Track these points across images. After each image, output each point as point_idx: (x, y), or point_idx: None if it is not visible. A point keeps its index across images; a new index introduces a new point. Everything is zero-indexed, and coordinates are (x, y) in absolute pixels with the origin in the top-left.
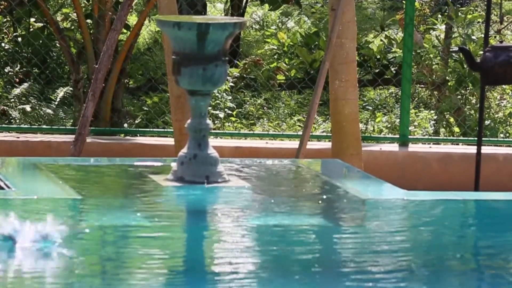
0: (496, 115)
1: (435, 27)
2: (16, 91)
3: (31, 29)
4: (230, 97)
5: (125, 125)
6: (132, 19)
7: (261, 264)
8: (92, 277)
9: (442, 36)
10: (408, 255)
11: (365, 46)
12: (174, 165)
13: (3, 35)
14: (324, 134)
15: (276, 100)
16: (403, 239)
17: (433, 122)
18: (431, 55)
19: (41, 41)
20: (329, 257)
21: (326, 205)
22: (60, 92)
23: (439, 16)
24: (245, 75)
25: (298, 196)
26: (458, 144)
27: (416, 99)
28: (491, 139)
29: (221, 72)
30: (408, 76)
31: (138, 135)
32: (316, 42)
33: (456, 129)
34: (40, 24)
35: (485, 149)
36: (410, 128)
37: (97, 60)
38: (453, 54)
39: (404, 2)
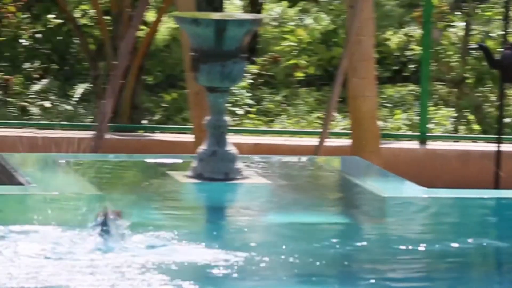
0: None
1: (453, 24)
2: (36, 87)
3: (50, 26)
4: (249, 94)
5: (144, 121)
6: (151, 16)
7: (279, 261)
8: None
9: (461, 33)
10: (427, 253)
11: (384, 43)
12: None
13: (22, 31)
14: (343, 131)
15: (294, 97)
16: (423, 237)
17: (452, 119)
18: (450, 53)
19: (60, 38)
20: (348, 254)
21: (345, 202)
22: (79, 89)
23: (458, 13)
24: (263, 72)
25: (317, 193)
26: (477, 142)
27: (435, 96)
28: (510, 136)
29: (239, 69)
30: (427, 73)
31: (157, 131)
32: (335, 39)
33: (476, 127)
34: (59, 21)
35: (504, 147)
36: (429, 126)
37: (115, 57)
38: (472, 52)
39: None
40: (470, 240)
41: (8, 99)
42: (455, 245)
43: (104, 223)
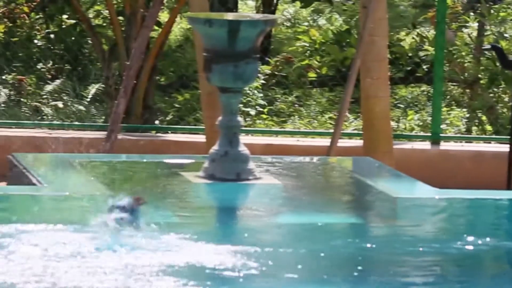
0: None
1: (467, 24)
2: (48, 87)
3: (63, 26)
4: (261, 95)
5: (157, 122)
6: (164, 16)
7: (291, 261)
8: None
9: (474, 34)
10: (440, 253)
11: (397, 43)
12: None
13: (35, 31)
14: (356, 131)
15: (307, 97)
16: (435, 238)
17: (465, 120)
18: (463, 53)
19: (73, 38)
20: (360, 254)
21: (357, 203)
22: (92, 89)
23: (471, 13)
24: (276, 73)
25: (329, 194)
26: (490, 143)
27: (448, 97)
28: None
29: (252, 70)
30: (440, 74)
31: (169, 132)
32: (348, 40)
33: (488, 128)
34: (72, 21)
35: None
36: (442, 126)
37: (128, 57)
38: (485, 52)
39: None
40: (482, 241)
41: (21, 99)
42: (468, 246)
43: (123, 208)
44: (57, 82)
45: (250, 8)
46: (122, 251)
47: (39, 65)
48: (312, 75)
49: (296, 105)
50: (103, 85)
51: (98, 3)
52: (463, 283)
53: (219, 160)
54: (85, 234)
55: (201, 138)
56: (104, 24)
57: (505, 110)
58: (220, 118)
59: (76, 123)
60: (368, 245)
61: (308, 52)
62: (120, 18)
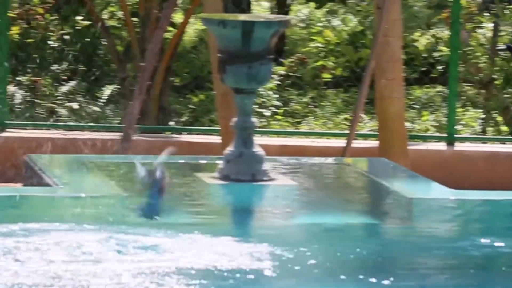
0: None
1: (482, 25)
2: (63, 89)
3: (78, 27)
4: (275, 95)
5: (171, 123)
6: (178, 17)
7: (306, 262)
8: None
9: (489, 34)
10: (455, 254)
11: (412, 44)
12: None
13: (50, 33)
14: (371, 132)
15: (322, 98)
16: (450, 239)
17: (480, 121)
18: (478, 54)
19: (88, 39)
20: (375, 255)
21: (373, 203)
22: (107, 90)
23: (486, 14)
24: (291, 73)
25: (345, 194)
26: (505, 143)
27: (463, 97)
28: None
29: (266, 70)
30: (455, 74)
31: (184, 133)
32: (362, 41)
33: (504, 128)
34: (87, 22)
35: None
36: (457, 127)
37: (143, 58)
38: (500, 52)
39: (450, 0)
40: (497, 242)
41: (36, 100)
42: (483, 247)
43: (153, 183)
44: (72, 83)
45: (264, 9)
46: (137, 252)
47: (54, 67)
48: (326, 76)
49: (311, 106)
50: (118, 86)
51: (113, 5)
52: (479, 283)
53: (234, 161)
54: (100, 235)
55: (216, 139)
56: (119, 25)
57: None
58: (234, 119)
59: (91, 124)
60: (384, 246)
61: (323, 53)
62: (135, 19)
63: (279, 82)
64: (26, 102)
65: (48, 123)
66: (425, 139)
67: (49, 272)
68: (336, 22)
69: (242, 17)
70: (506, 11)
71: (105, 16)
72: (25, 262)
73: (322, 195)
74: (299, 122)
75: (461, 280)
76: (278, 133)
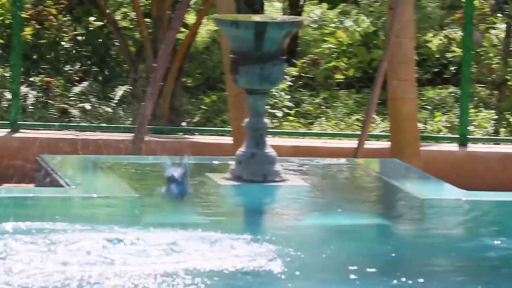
0: None
1: (495, 26)
2: (76, 89)
3: (91, 28)
4: (288, 96)
5: (184, 123)
6: (190, 18)
7: (318, 263)
8: None
9: (502, 35)
10: (467, 255)
11: (424, 45)
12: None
13: (63, 34)
14: (383, 133)
15: (334, 99)
16: (463, 240)
17: (493, 121)
18: (491, 54)
19: (100, 40)
20: (387, 256)
21: (385, 204)
22: (119, 91)
23: (499, 15)
24: (303, 74)
25: (357, 195)
26: None
27: (476, 98)
28: None
29: (279, 71)
30: (468, 75)
31: (196, 133)
32: (375, 41)
33: None
34: (100, 23)
35: None
36: (469, 128)
37: (155, 59)
38: None
39: (463, 1)
40: (511, 244)
41: (48, 101)
42: (496, 248)
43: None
44: (85, 84)
45: (276, 9)
46: (149, 253)
47: (67, 67)
48: (339, 76)
49: (323, 107)
50: (130, 87)
51: (125, 5)
52: (492, 285)
53: (246, 162)
54: (113, 236)
55: (228, 140)
56: (131, 26)
57: None
58: (246, 119)
59: (103, 125)
60: (396, 247)
61: (335, 53)
62: (147, 20)
63: (291, 83)
64: (39, 102)
65: (61, 123)
66: (437, 140)
67: (62, 274)
68: (348, 22)
69: (255, 17)
70: None
71: (117, 17)
72: (37, 263)
73: (334, 196)
74: (311, 123)
75: (474, 281)
76: (290, 134)
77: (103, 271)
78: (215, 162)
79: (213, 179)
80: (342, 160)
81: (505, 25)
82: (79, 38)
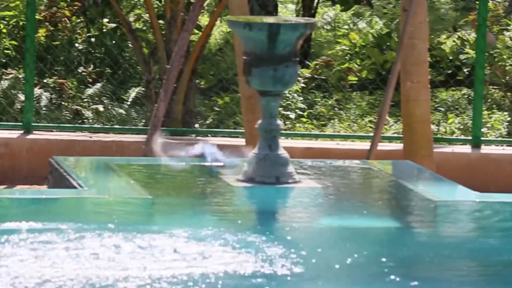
0: None
1: (508, 27)
2: (89, 91)
3: (104, 30)
4: (301, 98)
5: (196, 125)
6: (204, 20)
7: (331, 265)
8: None
9: None
10: (481, 258)
11: (438, 47)
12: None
13: (76, 35)
14: (396, 135)
15: (347, 101)
16: (476, 242)
17: (506, 123)
18: (505, 56)
19: (113, 42)
20: (400, 259)
21: (397, 206)
22: (132, 92)
23: None
24: (316, 76)
25: (369, 197)
26: None
27: (489, 100)
28: None
29: (292, 73)
30: (481, 77)
31: (209, 135)
32: (388, 43)
33: None
34: (113, 25)
35: None
36: (483, 130)
37: (168, 61)
38: None
39: (477, 2)
40: None
41: (62, 102)
42: (510, 250)
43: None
44: (98, 85)
45: (290, 11)
46: (162, 255)
47: (80, 69)
48: (352, 78)
49: (336, 109)
50: (143, 89)
51: (139, 7)
52: (509, 286)
53: (259, 163)
54: (126, 238)
55: (241, 141)
56: (145, 28)
57: None
58: (259, 121)
59: (116, 126)
60: (408, 249)
61: (348, 55)
62: (161, 21)
63: (304, 85)
64: (52, 104)
65: (74, 125)
66: (450, 142)
67: (75, 275)
68: (362, 24)
69: (268, 19)
70: None
71: (131, 19)
72: (52, 266)
73: (347, 198)
74: (324, 125)
75: (490, 283)
76: (303, 136)
77: (115, 274)
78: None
79: (225, 181)
80: (355, 162)
81: None
82: (93, 39)
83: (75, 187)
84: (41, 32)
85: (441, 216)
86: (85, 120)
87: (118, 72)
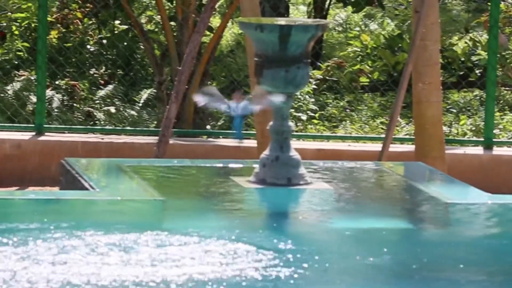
0: None
1: None
2: (101, 92)
3: (116, 32)
4: (312, 99)
5: (208, 126)
6: (215, 21)
7: (343, 266)
8: None
9: None
10: (494, 260)
11: (449, 48)
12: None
13: (88, 37)
14: (407, 136)
15: (358, 102)
16: (488, 244)
17: None
18: None
19: (125, 43)
20: (411, 261)
21: (409, 208)
22: (144, 94)
23: None
24: (327, 77)
25: (381, 199)
26: None
27: (501, 101)
28: None
29: (303, 74)
30: (493, 78)
31: (220, 136)
32: (400, 45)
33: None
34: (125, 27)
35: None
36: (495, 131)
37: (180, 62)
38: None
39: (489, 4)
40: None
41: (74, 104)
42: None
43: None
44: (110, 87)
45: (301, 13)
46: (173, 257)
47: (92, 71)
48: (363, 80)
49: (347, 110)
50: (154, 90)
51: (150, 9)
52: None
53: (270, 165)
54: (137, 239)
55: (252, 143)
56: (156, 30)
57: None
58: (271, 123)
59: (128, 128)
60: (419, 251)
61: (360, 57)
62: (172, 23)
63: (315, 86)
64: (64, 106)
65: (86, 127)
66: (462, 143)
67: (87, 276)
68: (373, 26)
69: (280, 21)
70: None
71: (142, 20)
72: (64, 266)
73: (359, 199)
74: (335, 126)
75: (501, 286)
76: (314, 137)
77: (127, 274)
78: (240, 165)
79: (237, 182)
80: (367, 164)
81: None
82: (104, 41)
83: (87, 189)
84: (53, 34)
85: (453, 217)
86: (96, 122)
87: (130, 73)
